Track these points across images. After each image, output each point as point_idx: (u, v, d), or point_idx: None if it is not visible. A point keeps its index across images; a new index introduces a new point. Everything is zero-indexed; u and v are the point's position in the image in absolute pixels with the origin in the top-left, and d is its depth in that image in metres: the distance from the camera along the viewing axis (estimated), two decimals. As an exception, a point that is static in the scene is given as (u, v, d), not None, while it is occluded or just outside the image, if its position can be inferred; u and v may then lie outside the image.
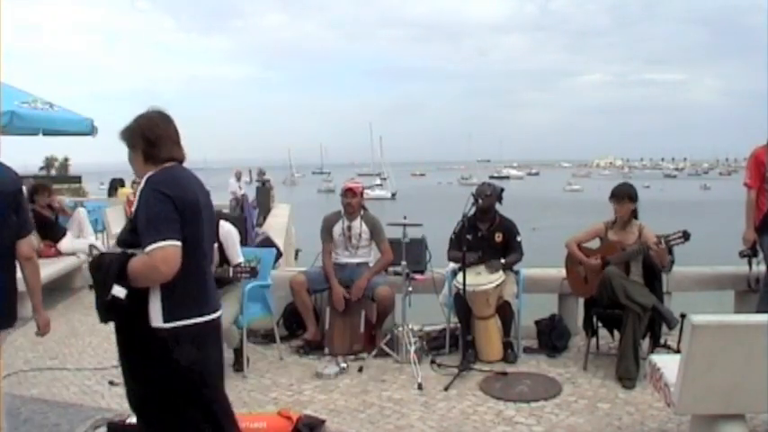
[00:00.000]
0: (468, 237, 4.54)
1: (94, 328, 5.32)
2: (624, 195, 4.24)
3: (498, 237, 4.63)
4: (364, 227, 4.76)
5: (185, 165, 2.37)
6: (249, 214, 11.06)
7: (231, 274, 4.10)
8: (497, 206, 4.68)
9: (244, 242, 4.88)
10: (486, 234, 4.63)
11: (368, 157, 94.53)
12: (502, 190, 4.70)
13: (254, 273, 4.13)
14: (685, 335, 2.64)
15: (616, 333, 4.32)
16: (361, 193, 4.82)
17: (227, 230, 4.27)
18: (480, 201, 4.53)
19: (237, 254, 4.27)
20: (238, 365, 4.30)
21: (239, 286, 4.31)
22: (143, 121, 2.31)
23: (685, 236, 4.06)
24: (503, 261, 4.53)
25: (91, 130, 7.19)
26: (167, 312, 2.12)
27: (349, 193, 4.72)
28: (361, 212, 4.81)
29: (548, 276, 4.95)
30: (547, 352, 4.58)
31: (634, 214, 4.30)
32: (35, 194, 6.72)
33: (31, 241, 2.82)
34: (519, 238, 4.67)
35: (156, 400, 2.20)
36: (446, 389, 3.93)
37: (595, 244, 4.45)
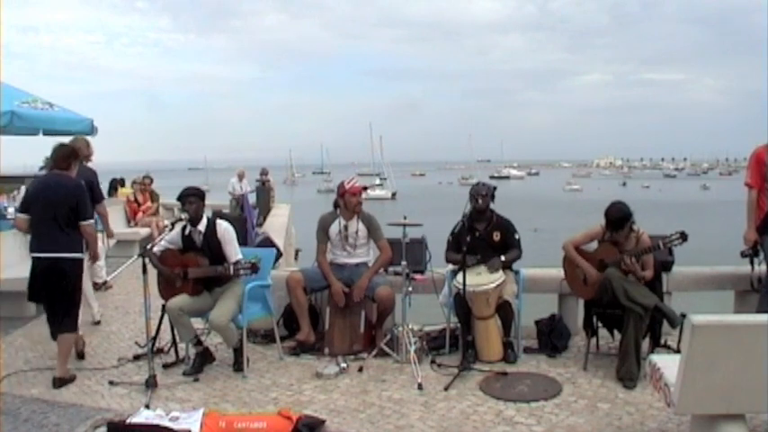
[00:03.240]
0: (467, 238, 4.54)
1: (94, 328, 5.33)
2: (622, 222, 4.14)
3: (496, 236, 4.63)
4: (361, 225, 4.75)
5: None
6: (249, 214, 11.05)
7: (232, 271, 4.11)
8: (492, 205, 4.68)
9: (244, 242, 4.88)
10: (484, 234, 4.62)
11: (368, 157, 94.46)
12: (494, 188, 4.72)
13: (254, 269, 4.15)
14: (685, 335, 2.64)
15: (616, 333, 4.31)
16: (360, 192, 4.81)
17: (224, 228, 4.31)
18: (479, 201, 4.53)
19: (235, 251, 4.29)
20: (238, 365, 4.30)
21: (240, 285, 4.31)
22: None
23: (683, 236, 4.08)
24: (502, 259, 4.53)
25: (91, 130, 7.19)
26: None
27: (358, 193, 4.73)
28: None
29: (548, 276, 4.95)
30: (547, 352, 4.58)
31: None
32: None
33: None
34: (517, 236, 4.66)
35: None
36: (446, 389, 3.93)
37: (595, 244, 4.45)
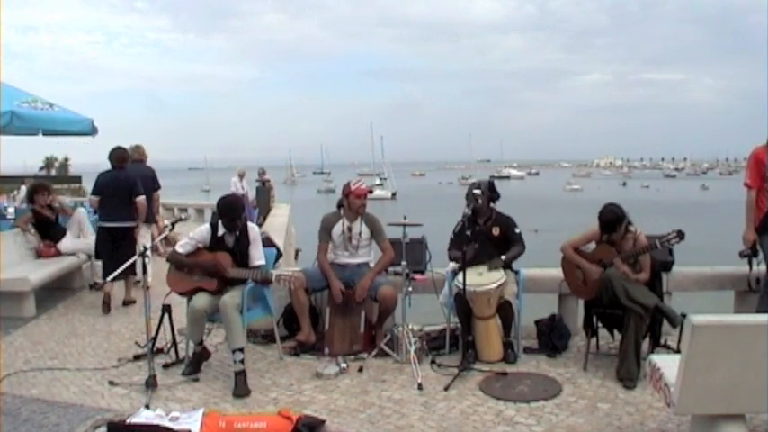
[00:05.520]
0: (468, 233, 4.55)
1: (94, 328, 5.33)
2: (614, 224, 4.13)
3: (495, 230, 4.64)
4: (364, 227, 4.75)
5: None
6: (249, 214, 11.06)
7: (274, 278, 4.14)
8: (493, 204, 4.70)
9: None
10: (484, 228, 4.64)
11: (368, 157, 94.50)
12: (490, 182, 4.75)
13: (299, 282, 4.31)
14: (685, 335, 2.64)
15: (616, 333, 4.32)
16: (365, 195, 4.83)
17: (256, 232, 4.40)
18: (478, 200, 4.54)
19: (260, 255, 4.33)
20: (237, 390, 3.92)
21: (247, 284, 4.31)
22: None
23: (680, 235, 4.08)
24: (503, 258, 4.53)
25: (91, 130, 7.18)
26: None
27: (363, 195, 4.74)
28: None
29: (548, 276, 4.95)
30: (547, 352, 4.58)
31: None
32: (35, 194, 6.72)
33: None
34: (518, 230, 4.66)
35: None
36: (446, 389, 3.93)
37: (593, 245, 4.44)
